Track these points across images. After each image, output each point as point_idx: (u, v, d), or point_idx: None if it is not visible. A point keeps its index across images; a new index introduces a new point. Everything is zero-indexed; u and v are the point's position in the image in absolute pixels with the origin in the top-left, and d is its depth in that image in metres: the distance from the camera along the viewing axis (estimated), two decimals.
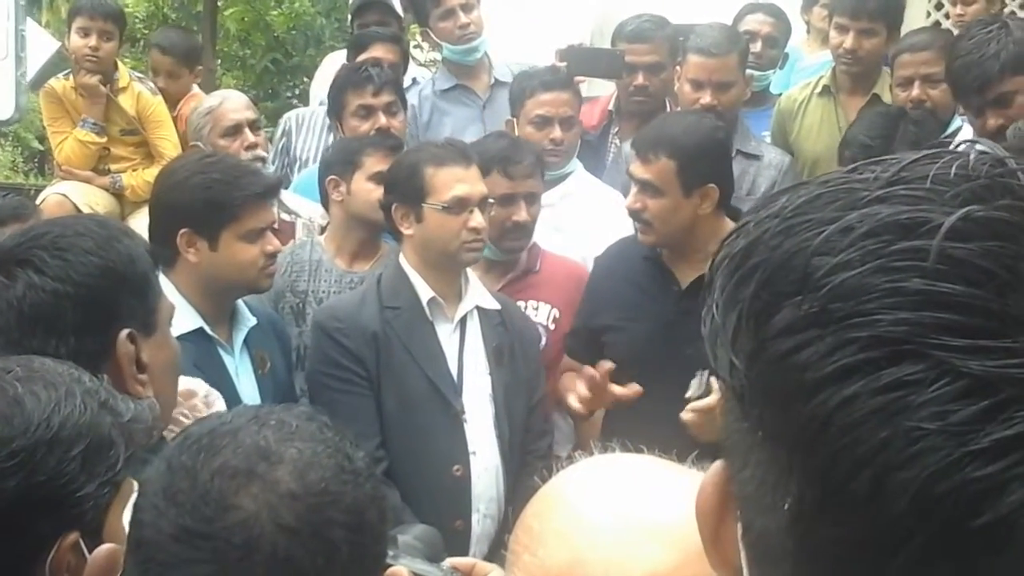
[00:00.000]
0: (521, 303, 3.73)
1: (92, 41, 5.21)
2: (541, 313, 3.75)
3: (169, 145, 5.33)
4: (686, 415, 3.17)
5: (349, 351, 3.31)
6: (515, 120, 4.27)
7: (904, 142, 3.51)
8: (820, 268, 0.65)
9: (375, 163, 3.80)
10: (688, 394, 3.18)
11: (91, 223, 2.06)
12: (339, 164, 3.90)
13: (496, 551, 3.34)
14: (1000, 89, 3.44)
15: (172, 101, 5.48)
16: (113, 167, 5.33)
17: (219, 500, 1.24)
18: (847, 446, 0.62)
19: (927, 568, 0.62)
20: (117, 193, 5.29)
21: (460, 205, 3.32)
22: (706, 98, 4.16)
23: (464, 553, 3.29)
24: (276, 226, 3.39)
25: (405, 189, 3.40)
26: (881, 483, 0.62)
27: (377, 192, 3.65)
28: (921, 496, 0.61)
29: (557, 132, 4.16)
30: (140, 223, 4.82)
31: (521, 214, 3.69)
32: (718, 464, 0.74)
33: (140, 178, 5.28)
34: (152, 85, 5.44)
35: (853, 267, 0.64)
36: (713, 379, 2.03)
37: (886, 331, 0.63)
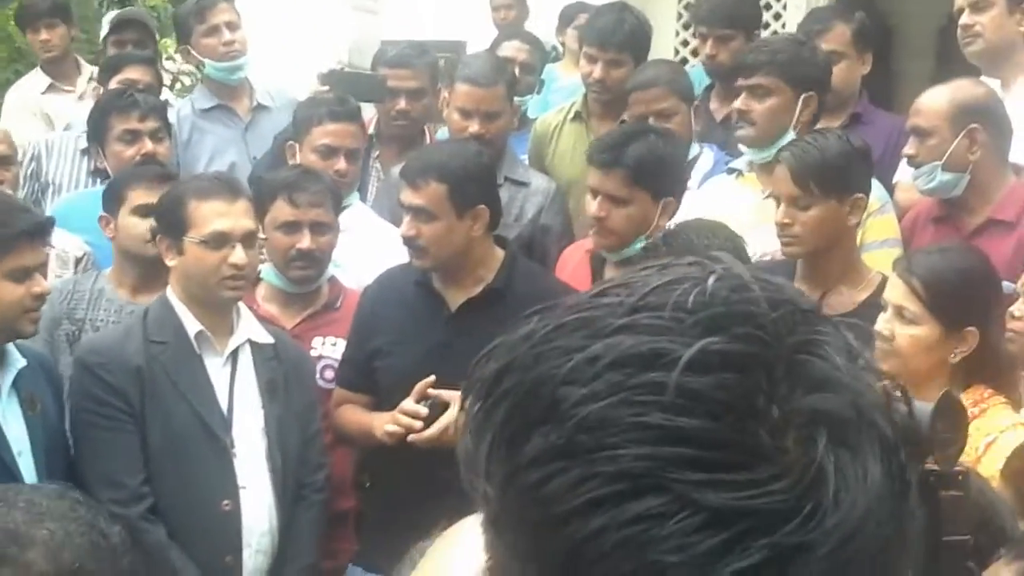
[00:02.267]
0: (319, 339, 3.72)
1: None
2: (339, 349, 3.71)
3: None
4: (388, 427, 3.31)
5: (111, 386, 3.24)
6: (297, 146, 4.24)
7: (642, 149, 3.64)
8: (567, 398, 0.66)
9: (139, 196, 3.73)
10: None
11: None
12: (108, 201, 3.82)
13: None
14: None
15: None
16: None
17: None
18: None
19: None
20: None
21: (219, 240, 3.29)
22: (475, 126, 4.24)
23: None
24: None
25: (168, 220, 3.36)
26: None
27: (142, 226, 3.60)
28: None
29: (342, 164, 4.13)
30: None
31: (304, 242, 3.67)
32: (482, 571, 0.74)
33: None
34: None
35: (598, 399, 0.65)
36: None
37: (629, 465, 0.63)
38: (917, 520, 0.71)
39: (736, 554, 0.62)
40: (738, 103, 3.96)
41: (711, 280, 0.70)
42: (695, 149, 4.41)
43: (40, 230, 3.11)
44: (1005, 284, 3.17)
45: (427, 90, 4.71)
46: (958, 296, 2.86)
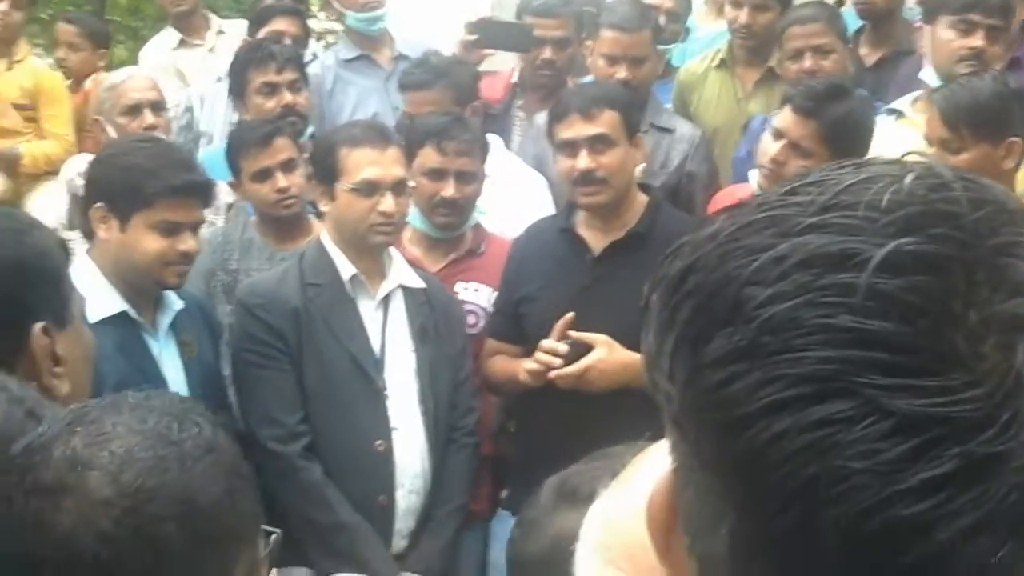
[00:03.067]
0: (463, 284, 3.75)
1: (3, 6, 5.13)
2: (482, 295, 3.76)
3: (58, 123, 5.25)
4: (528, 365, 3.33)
5: (270, 326, 3.32)
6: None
7: (843, 109, 3.57)
8: (752, 299, 0.64)
9: (252, 163, 3.81)
10: None
11: (2, 213, 2.05)
12: (231, 168, 3.90)
13: (423, 526, 3.41)
14: None
15: (74, 77, 5.38)
16: (8, 140, 5.24)
17: (35, 522, 1.21)
18: (777, 482, 0.62)
19: None
20: (13, 162, 5.18)
21: (369, 188, 3.33)
22: (621, 72, 4.22)
23: (389, 528, 3.36)
24: None
25: (322, 168, 3.42)
26: (810, 520, 0.61)
27: (265, 188, 3.78)
28: (849, 534, 0.61)
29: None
30: (38, 203, 4.79)
31: (449, 190, 3.70)
32: (667, 473, 0.73)
33: (39, 149, 5.18)
34: (51, 61, 5.37)
35: (784, 300, 0.63)
36: None
37: (814, 368, 0.62)
38: None
39: (925, 462, 0.60)
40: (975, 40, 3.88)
41: (908, 178, 0.67)
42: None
43: (194, 189, 3.11)
44: None
45: (572, 39, 4.70)
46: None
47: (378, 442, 3.33)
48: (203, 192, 3.18)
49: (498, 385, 3.67)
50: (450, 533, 3.44)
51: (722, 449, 0.65)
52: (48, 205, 4.56)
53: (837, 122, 3.49)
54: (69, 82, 5.48)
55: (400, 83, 4.34)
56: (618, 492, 1.13)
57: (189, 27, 5.86)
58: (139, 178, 3.03)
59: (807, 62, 4.27)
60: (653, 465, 0.83)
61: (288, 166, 3.80)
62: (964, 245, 0.64)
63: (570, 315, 3.35)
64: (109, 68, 5.72)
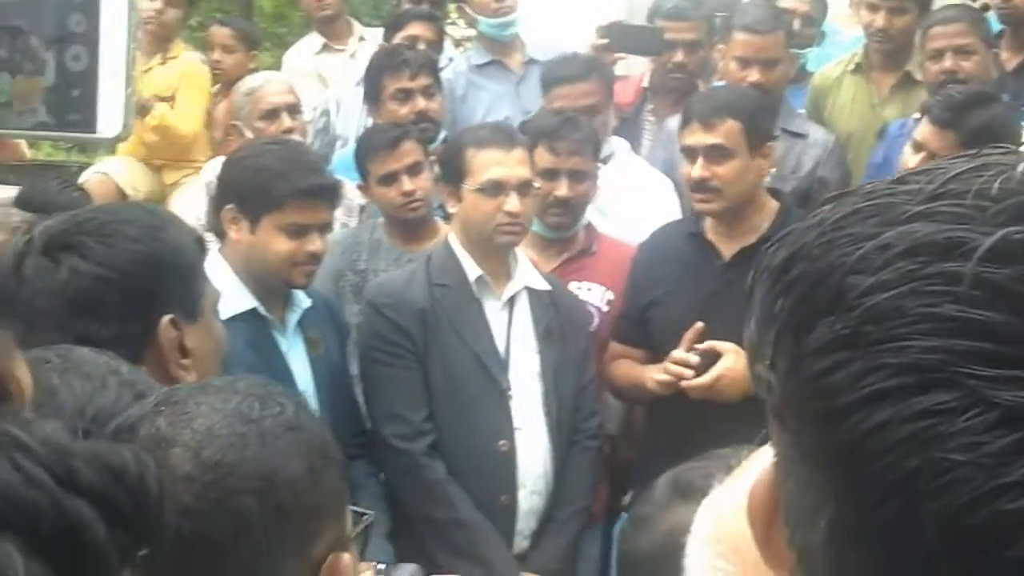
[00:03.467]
0: (575, 284, 3.76)
1: (157, 4, 5.29)
2: (595, 294, 3.77)
3: (188, 108, 5.36)
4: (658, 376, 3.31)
5: (397, 326, 3.37)
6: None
7: (984, 117, 3.52)
8: (855, 287, 0.64)
9: (379, 167, 3.87)
10: None
11: (139, 211, 2.08)
12: (360, 172, 3.96)
13: (545, 527, 3.42)
14: None
15: (226, 80, 5.51)
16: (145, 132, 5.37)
17: None
18: (877, 473, 0.62)
19: None
20: (142, 113, 5.22)
21: (495, 188, 3.35)
22: (753, 75, 4.19)
23: (511, 527, 3.37)
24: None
25: (449, 169, 3.47)
26: (910, 512, 0.61)
27: (392, 192, 3.84)
28: (950, 527, 0.60)
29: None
30: (182, 202, 4.93)
31: (562, 190, 3.71)
32: (769, 465, 0.73)
33: (170, 118, 5.29)
34: (204, 57, 5.53)
35: (888, 288, 0.63)
36: None
37: (917, 358, 0.61)
38: None
39: None
40: None
41: (1021, 167, 0.65)
42: None
43: (322, 191, 3.15)
44: None
45: (703, 42, 4.69)
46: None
47: (501, 442, 3.35)
48: (330, 194, 3.22)
49: (623, 390, 3.67)
50: (571, 535, 3.44)
51: (822, 439, 0.64)
52: (189, 204, 4.70)
53: (977, 131, 3.41)
54: (219, 85, 5.61)
55: (549, 78, 4.32)
56: (730, 487, 1.13)
57: (332, 32, 5.95)
58: (268, 180, 3.09)
59: (947, 62, 4.17)
60: (762, 460, 0.82)
61: (414, 169, 3.85)
62: None
63: (700, 325, 3.34)
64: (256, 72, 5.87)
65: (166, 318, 1.93)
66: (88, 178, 5.12)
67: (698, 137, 3.46)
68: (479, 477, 3.35)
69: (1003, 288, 0.61)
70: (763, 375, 0.70)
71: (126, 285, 1.90)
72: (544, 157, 3.70)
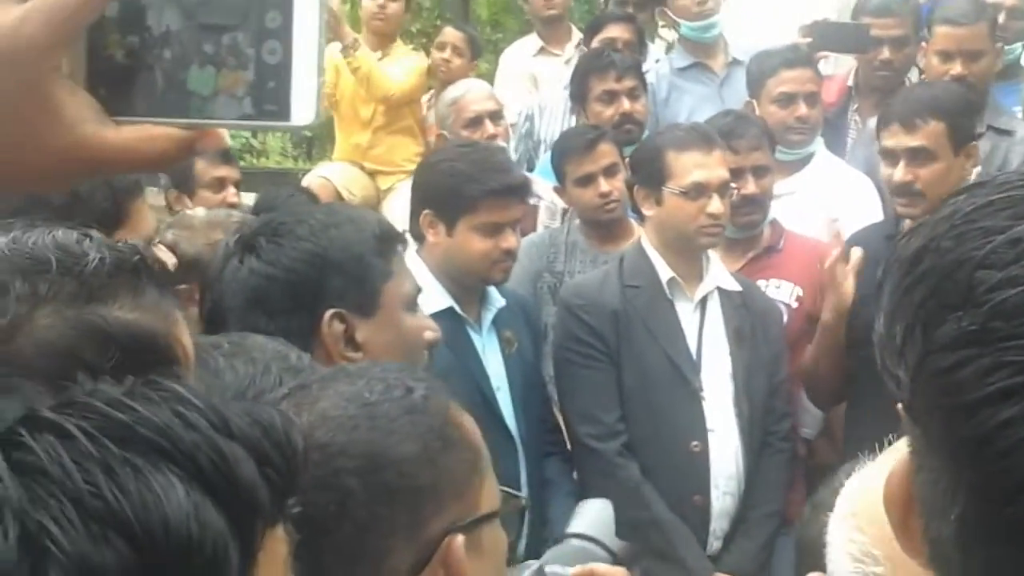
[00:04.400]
0: (763, 282, 3.73)
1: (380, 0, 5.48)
2: (783, 291, 3.75)
3: (396, 75, 5.49)
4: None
5: (591, 327, 3.41)
6: (755, 101, 4.30)
7: None
8: (984, 282, 0.63)
9: (576, 168, 3.93)
10: None
11: (321, 211, 2.16)
12: (556, 173, 4.02)
13: (737, 528, 3.41)
14: None
15: (447, 83, 5.52)
16: (359, 130, 5.58)
17: None
18: (1005, 470, 0.61)
19: None
20: (352, 49, 5.37)
21: (699, 190, 3.36)
22: (956, 68, 4.09)
23: (704, 528, 3.37)
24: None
25: (647, 172, 3.47)
26: None
27: (588, 194, 3.90)
28: None
29: (803, 109, 4.17)
30: (394, 205, 5.11)
31: (749, 187, 3.69)
32: (905, 455, 0.74)
33: (375, 69, 5.41)
34: (423, 54, 5.69)
35: (1017, 284, 0.62)
36: None
37: None
38: None
39: None
40: None
41: None
42: None
43: (512, 190, 3.24)
44: None
45: (910, 38, 4.57)
46: None
47: (694, 443, 3.36)
48: (521, 192, 3.32)
49: (807, 372, 3.60)
50: (764, 537, 3.41)
51: (950, 434, 0.65)
52: (401, 207, 4.87)
53: None
54: (437, 86, 5.72)
55: (767, 65, 4.30)
56: (868, 475, 1.15)
57: (552, 35, 6.01)
58: (461, 184, 3.19)
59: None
60: (898, 451, 0.84)
61: (610, 171, 3.89)
62: None
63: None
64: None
65: (329, 312, 2.00)
66: (309, 182, 5.35)
67: (899, 139, 3.39)
68: (672, 477, 3.37)
69: None
70: (893, 369, 0.70)
71: (290, 281, 1.99)
72: (726, 159, 3.66)
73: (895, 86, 4.50)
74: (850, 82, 4.77)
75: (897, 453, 1.12)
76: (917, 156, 3.35)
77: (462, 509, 1.33)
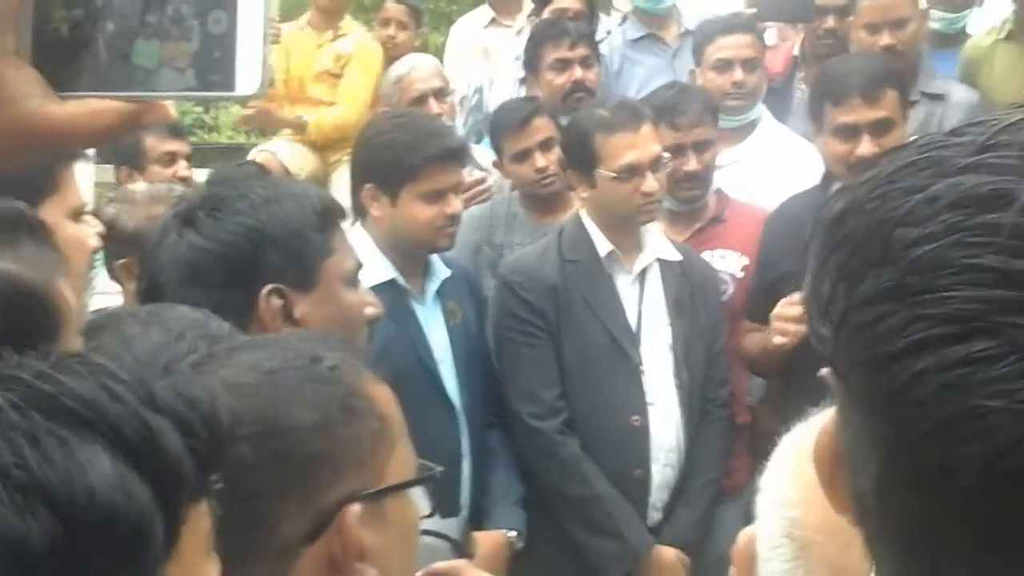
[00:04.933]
0: (708, 253, 3.74)
1: None
2: (729, 262, 3.76)
3: (354, 89, 5.47)
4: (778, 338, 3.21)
5: (529, 304, 3.42)
6: (697, 71, 4.31)
7: None
8: (902, 239, 0.65)
9: (512, 144, 3.95)
10: None
11: (263, 186, 2.14)
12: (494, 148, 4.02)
13: (676, 499, 3.44)
14: None
15: (396, 57, 5.51)
16: (310, 108, 5.54)
17: None
18: (918, 420, 0.63)
19: (996, 542, 0.63)
20: (301, 132, 5.45)
21: (631, 171, 3.35)
22: (884, 39, 4.09)
23: (643, 502, 3.39)
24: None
25: (577, 155, 3.47)
26: (949, 458, 0.62)
27: (523, 169, 3.92)
28: (987, 472, 0.61)
29: (739, 74, 4.18)
30: (341, 180, 5.08)
31: (691, 164, 3.71)
32: (832, 414, 0.76)
33: (327, 118, 5.44)
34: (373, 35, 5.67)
35: (933, 240, 0.64)
36: None
37: (957, 308, 0.62)
38: None
39: None
40: None
41: None
42: None
43: (451, 154, 3.25)
44: None
45: (852, 7, 4.58)
46: None
47: (634, 417, 3.37)
48: (460, 155, 3.32)
49: (754, 361, 3.64)
50: (704, 506, 3.45)
51: (869, 388, 0.67)
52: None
53: None
54: (388, 61, 5.71)
55: (709, 31, 4.32)
56: (802, 428, 1.19)
57: (503, 6, 5.97)
58: (400, 153, 3.19)
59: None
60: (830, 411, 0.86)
61: (546, 145, 3.90)
62: None
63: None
64: (424, 51, 5.94)
65: (267, 288, 1.99)
66: (254, 157, 5.32)
67: (861, 113, 3.37)
68: (613, 452, 3.39)
69: None
70: (818, 328, 0.72)
71: (227, 256, 1.99)
72: (666, 135, 3.67)
73: (840, 54, 4.51)
74: (795, 51, 4.78)
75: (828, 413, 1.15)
76: (879, 128, 3.35)
77: (364, 480, 1.32)
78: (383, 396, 1.39)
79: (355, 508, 1.29)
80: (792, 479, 1.15)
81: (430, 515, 1.46)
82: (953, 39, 4.71)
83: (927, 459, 0.63)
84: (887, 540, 0.69)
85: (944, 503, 0.64)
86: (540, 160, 3.90)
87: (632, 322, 3.43)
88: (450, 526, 1.79)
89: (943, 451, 0.62)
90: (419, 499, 1.44)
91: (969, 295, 0.62)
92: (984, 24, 4.87)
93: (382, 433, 1.35)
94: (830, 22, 4.57)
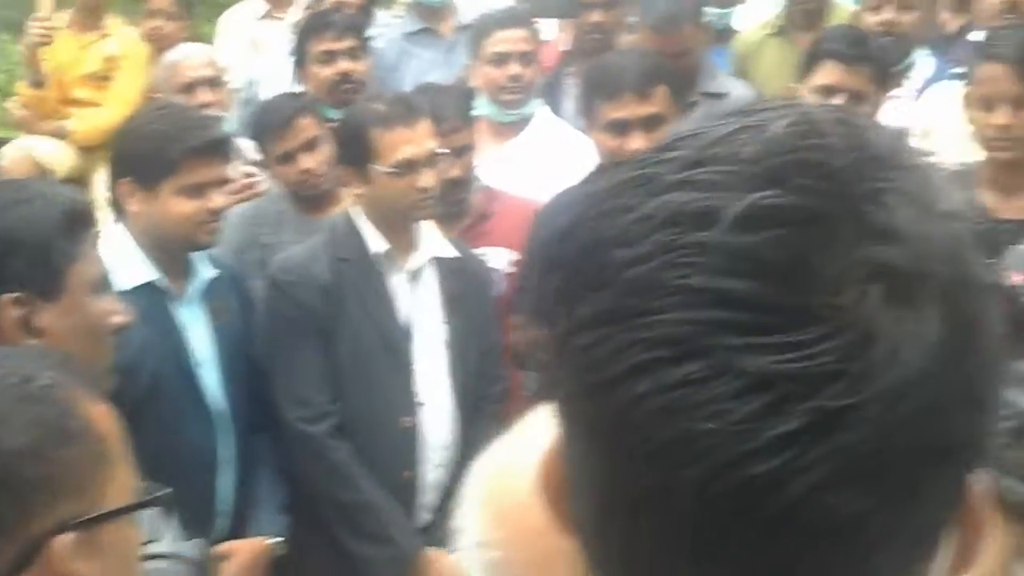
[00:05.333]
0: (477, 250, 3.69)
1: None
2: (498, 257, 3.72)
3: (121, 91, 5.31)
4: None
5: (300, 305, 3.30)
6: (473, 63, 4.27)
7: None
8: (617, 261, 0.64)
9: (281, 145, 3.83)
10: None
11: (10, 188, 2.07)
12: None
13: (448, 499, 3.37)
14: None
15: (164, 49, 5.37)
16: (73, 110, 5.32)
17: None
18: (637, 444, 0.62)
19: (714, 564, 0.63)
20: (63, 138, 5.24)
21: (407, 167, 3.27)
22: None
23: (412, 503, 3.32)
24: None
25: (352, 150, 3.36)
26: (667, 482, 0.62)
27: (290, 172, 3.80)
28: (703, 494, 0.61)
29: (515, 68, 4.15)
30: (102, 177, 4.85)
31: (453, 170, 3.63)
32: (555, 438, 0.74)
33: (91, 121, 5.24)
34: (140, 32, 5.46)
35: (646, 261, 0.63)
36: None
37: (670, 330, 0.62)
38: (991, 366, 0.65)
39: (775, 419, 0.60)
40: None
41: (779, 126, 0.65)
42: (914, 55, 4.21)
43: (214, 147, 3.11)
44: None
45: (620, 0, 4.62)
46: None
47: (405, 418, 3.30)
48: (224, 148, 3.19)
49: (524, 355, 3.60)
50: None
51: (589, 413, 0.65)
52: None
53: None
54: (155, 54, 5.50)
55: (487, 25, 4.27)
56: (503, 449, 1.13)
57: None
58: (159, 145, 3.03)
59: (887, 14, 4.14)
60: (540, 427, 0.84)
61: (311, 145, 3.79)
62: (828, 195, 0.62)
63: None
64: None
65: (7, 296, 1.91)
66: (7, 153, 5.04)
67: (632, 109, 3.38)
68: (383, 455, 3.31)
69: (750, 255, 0.61)
70: (539, 345, 0.69)
71: None
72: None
73: (607, 48, 4.52)
74: (565, 46, 4.77)
75: (524, 433, 1.09)
76: (650, 123, 3.37)
77: (80, 506, 1.27)
78: (101, 416, 1.33)
79: (66, 537, 1.24)
80: (490, 515, 1.12)
81: (152, 541, 1.39)
82: (725, 35, 4.79)
83: (647, 482, 0.63)
84: (609, 565, 0.68)
85: (664, 527, 0.64)
86: (305, 161, 3.79)
87: (406, 321, 3.35)
88: (189, 546, 1.72)
89: (662, 474, 0.62)
90: (142, 522, 1.40)
91: (681, 317, 0.61)
92: (751, 19, 4.98)
93: (101, 455, 1.30)
94: (596, 16, 4.58)
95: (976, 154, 3.34)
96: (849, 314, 0.60)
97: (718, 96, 4.19)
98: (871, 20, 4.18)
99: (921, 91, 4.08)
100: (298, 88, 4.70)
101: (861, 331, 0.60)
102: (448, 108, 3.67)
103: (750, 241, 0.61)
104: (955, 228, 0.65)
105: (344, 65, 4.36)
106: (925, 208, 0.64)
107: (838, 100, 3.42)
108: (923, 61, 4.24)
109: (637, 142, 3.33)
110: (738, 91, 4.25)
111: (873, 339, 0.60)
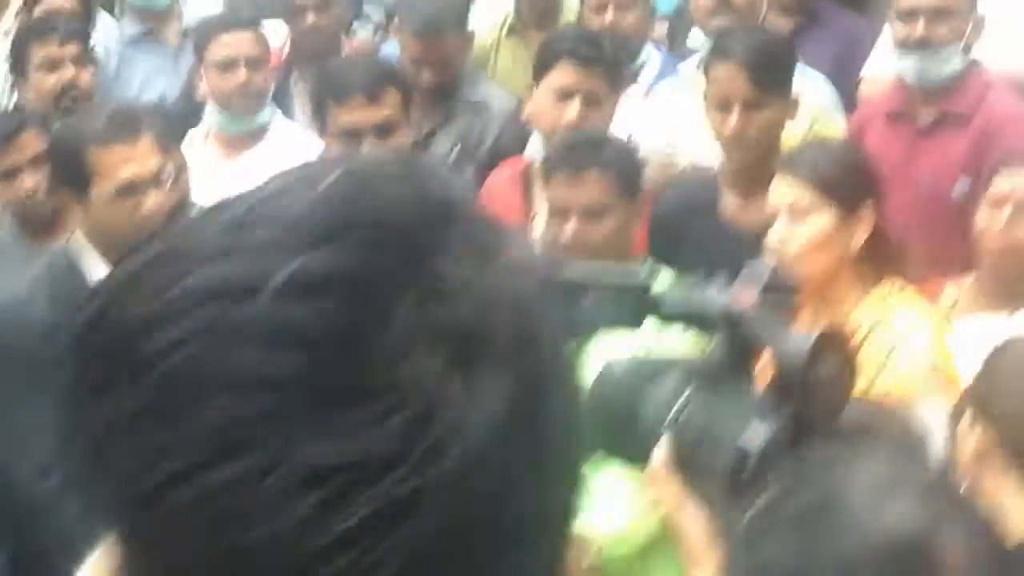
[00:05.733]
0: None
1: None
2: None
3: None
4: None
5: (11, 357, 2.99)
6: (202, 70, 4.09)
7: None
8: (154, 347, 0.55)
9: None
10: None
11: None
12: None
13: None
14: None
15: None
16: None
17: None
18: (189, 564, 0.55)
19: None
20: None
21: (130, 189, 3.02)
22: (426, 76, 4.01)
23: None
24: None
25: (67, 171, 3.11)
26: None
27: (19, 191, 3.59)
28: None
29: (244, 74, 3.98)
30: None
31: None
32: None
33: None
34: None
35: (187, 345, 0.55)
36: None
37: (213, 426, 0.54)
38: (567, 426, 0.60)
39: (337, 514, 0.53)
40: None
41: (333, 179, 0.59)
42: (644, 53, 4.25)
43: None
44: (960, 182, 3.27)
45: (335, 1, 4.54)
46: (847, 168, 2.79)
47: None
48: None
49: None
50: None
51: (134, 531, 0.57)
52: None
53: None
54: None
55: (209, 29, 4.11)
56: None
57: None
58: None
59: (609, 16, 4.17)
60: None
61: (37, 162, 3.53)
62: (382, 253, 0.56)
63: None
64: None
65: None
66: None
67: (363, 113, 3.33)
68: None
69: (294, 330, 0.54)
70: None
71: None
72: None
73: (330, 49, 4.42)
74: (286, 52, 4.62)
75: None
76: (383, 129, 3.34)
77: None
78: None
79: None
80: None
81: None
82: None
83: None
84: None
85: None
86: (30, 180, 3.53)
87: None
88: None
89: None
90: None
91: (224, 408, 0.54)
92: (485, 20, 4.93)
93: None
94: (311, 19, 4.44)
95: (718, 153, 3.40)
96: (409, 388, 0.54)
97: (478, 104, 4.08)
98: (595, 21, 4.19)
99: (649, 90, 4.13)
100: (16, 98, 4.44)
101: (423, 406, 0.54)
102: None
103: (295, 313, 0.54)
104: (521, 282, 0.60)
105: (70, 72, 4.14)
106: (488, 261, 0.59)
107: (574, 102, 3.43)
108: (651, 59, 4.28)
109: (369, 149, 3.29)
110: (497, 101, 4.13)
111: (435, 413, 0.54)
